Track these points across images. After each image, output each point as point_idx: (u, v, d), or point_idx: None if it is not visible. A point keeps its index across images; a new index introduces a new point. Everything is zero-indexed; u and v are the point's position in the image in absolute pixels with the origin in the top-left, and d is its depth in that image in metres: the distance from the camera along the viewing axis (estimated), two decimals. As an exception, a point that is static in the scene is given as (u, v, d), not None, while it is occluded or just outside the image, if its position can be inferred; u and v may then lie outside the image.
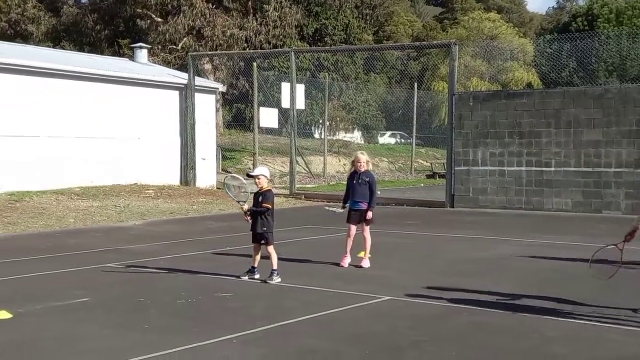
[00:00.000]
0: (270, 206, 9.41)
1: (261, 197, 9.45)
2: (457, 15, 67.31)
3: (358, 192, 10.69)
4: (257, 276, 9.51)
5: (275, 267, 9.43)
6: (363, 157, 10.80)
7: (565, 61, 39.13)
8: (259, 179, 9.47)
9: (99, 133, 22.11)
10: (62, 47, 37.59)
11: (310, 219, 17.41)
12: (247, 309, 7.95)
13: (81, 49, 37.86)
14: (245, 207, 9.45)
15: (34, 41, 39.43)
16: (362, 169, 10.72)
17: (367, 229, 10.77)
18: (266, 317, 7.50)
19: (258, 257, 9.58)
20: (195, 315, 7.66)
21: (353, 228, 10.76)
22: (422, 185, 30.65)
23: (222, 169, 28.60)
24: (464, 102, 20.47)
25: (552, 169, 19.08)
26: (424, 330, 6.98)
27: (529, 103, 19.48)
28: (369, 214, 10.65)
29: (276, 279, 9.36)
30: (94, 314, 7.70)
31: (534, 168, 19.31)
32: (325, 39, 45.84)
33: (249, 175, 9.89)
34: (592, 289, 8.64)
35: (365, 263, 10.63)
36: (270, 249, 9.47)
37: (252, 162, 29.93)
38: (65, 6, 41.04)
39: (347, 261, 10.67)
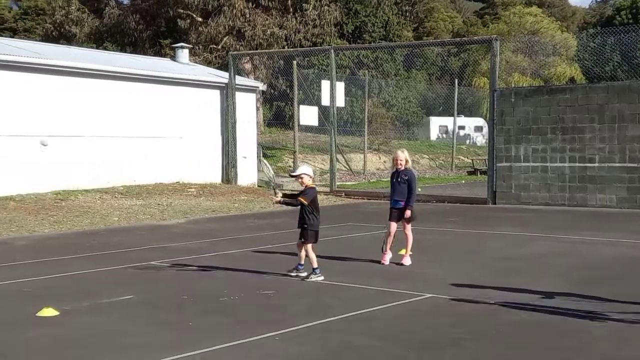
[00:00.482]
0: (304, 201, 9.36)
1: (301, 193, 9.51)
2: (498, 11, 66.69)
3: (398, 190, 10.68)
4: (303, 274, 9.54)
5: (314, 265, 9.44)
6: (402, 155, 10.76)
7: (609, 55, 38.54)
8: (301, 178, 9.49)
9: (142, 132, 22.40)
10: (105, 48, 38.13)
11: (350, 217, 17.43)
12: (289, 306, 8.00)
13: (123, 50, 38.34)
14: (278, 196, 9.47)
15: (77, 42, 40.05)
16: (401, 167, 10.70)
17: (408, 226, 10.75)
18: (307, 314, 7.54)
19: (302, 254, 9.59)
20: (237, 312, 7.73)
21: (394, 226, 10.75)
22: (463, 181, 30.46)
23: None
24: (505, 98, 20.29)
25: (596, 164, 18.82)
26: (465, 328, 6.95)
27: (572, 98, 19.24)
28: (407, 213, 10.61)
29: (314, 278, 9.35)
30: (138, 312, 7.82)
31: (577, 164, 19.07)
32: (364, 36, 45.75)
33: (291, 176, 9.92)
34: (636, 287, 8.51)
35: (406, 261, 10.61)
36: (308, 247, 9.45)
37: (292, 160, 30.04)
38: (107, 7, 41.60)
39: (387, 258, 10.67)
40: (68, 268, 10.60)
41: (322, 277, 9.37)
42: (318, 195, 9.77)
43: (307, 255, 9.51)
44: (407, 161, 10.75)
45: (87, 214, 17.20)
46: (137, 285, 9.23)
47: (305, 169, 9.69)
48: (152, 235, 14.53)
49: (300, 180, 9.52)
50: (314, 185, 9.62)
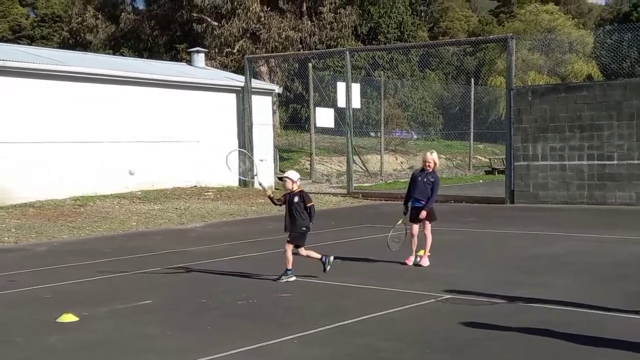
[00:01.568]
0: (279, 203, 9.72)
1: None
2: (514, 9, 66.38)
3: (421, 190, 10.58)
4: (292, 279, 9.57)
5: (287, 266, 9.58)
6: (431, 156, 10.71)
7: (626, 52, 38.16)
8: (285, 181, 9.83)
9: (159, 137, 22.48)
10: (122, 54, 38.34)
11: (367, 218, 17.39)
12: (307, 309, 7.99)
13: (140, 55, 38.53)
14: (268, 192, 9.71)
15: (94, 49, 40.29)
16: (429, 169, 10.65)
17: (428, 227, 10.68)
18: (326, 317, 7.52)
19: (310, 255, 9.75)
20: (256, 316, 7.72)
21: (416, 227, 10.69)
22: (481, 181, 30.32)
23: (279, 170, 28.75)
24: (522, 97, 20.17)
25: (615, 162, 18.66)
26: (486, 329, 6.89)
27: (590, 96, 19.09)
28: (422, 214, 10.54)
29: (284, 278, 9.49)
30: (157, 316, 7.83)
31: (595, 162, 18.90)
32: (379, 37, 45.67)
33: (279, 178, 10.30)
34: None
35: (425, 261, 10.56)
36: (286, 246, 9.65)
37: (309, 162, 30.05)
38: (123, 13, 41.84)
39: (412, 259, 10.61)
40: (87, 274, 10.64)
41: (289, 279, 9.48)
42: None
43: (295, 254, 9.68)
44: (435, 163, 10.71)
45: (105, 220, 17.27)
46: (156, 290, 9.24)
47: (288, 173, 9.90)
48: (170, 239, 14.57)
49: (284, 183, 9.85)
50: (296, 190, 9.64)
